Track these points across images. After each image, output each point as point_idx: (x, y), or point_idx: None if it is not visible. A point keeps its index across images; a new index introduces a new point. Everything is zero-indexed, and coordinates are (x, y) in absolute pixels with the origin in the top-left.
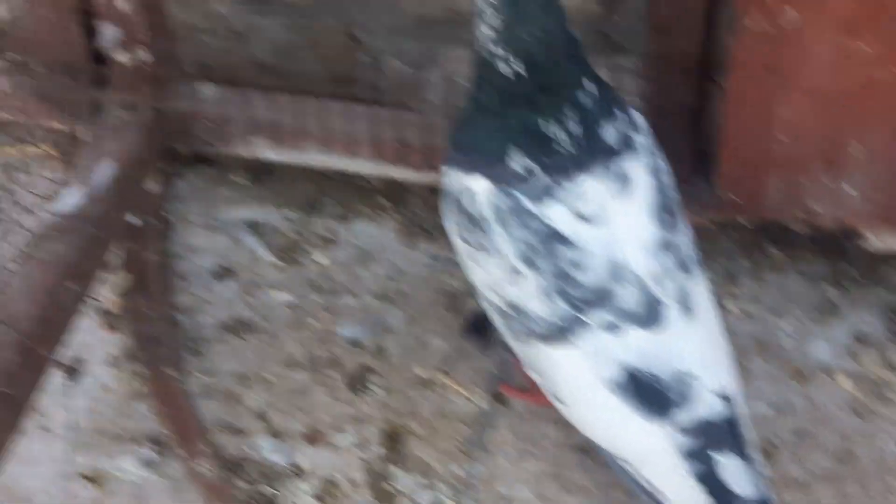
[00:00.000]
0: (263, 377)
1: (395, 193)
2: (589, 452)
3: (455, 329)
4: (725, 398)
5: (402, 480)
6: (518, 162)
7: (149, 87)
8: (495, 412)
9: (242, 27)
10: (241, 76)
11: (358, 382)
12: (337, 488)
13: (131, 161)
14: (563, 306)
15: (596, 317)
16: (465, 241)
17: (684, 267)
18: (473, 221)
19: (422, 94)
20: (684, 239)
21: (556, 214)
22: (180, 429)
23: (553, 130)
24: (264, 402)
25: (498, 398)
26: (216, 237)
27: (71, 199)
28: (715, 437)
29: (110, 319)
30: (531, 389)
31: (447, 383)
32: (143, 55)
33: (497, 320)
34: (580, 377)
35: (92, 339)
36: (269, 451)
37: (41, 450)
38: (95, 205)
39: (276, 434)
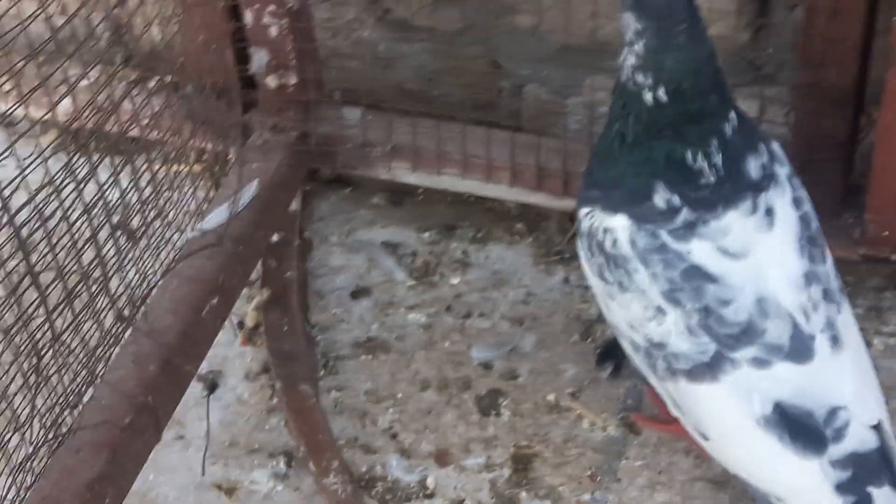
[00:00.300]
0: (395, 396)
1: (531, 218)
2: (722, 486)
3: (587, 355)
4: (877, 429)
5: None
6: (663, 197)
7: (295, 111)
8: (626, 441)
9: (387, 53)
10: (385, 101)
11: (488, 405)
12: None
13: (276, 181)
14: (708, 343)
15: (744, 353)
16: (604, 279)
17: (830, 297)
18: (614, 260)
19: (562, 122)
20: (828, 269)
21: (700, 251)
22: (312, 444)
23: (699, 163)
24: (395, 421)
25: (629, 427)
26: (354, 257)
27: (217, 217)
28: (868, 469)
29: (249, 334)
30: (664, 419)
31: (578, 409)
32: (291, 79)
33: (636, 358)
34: (728, 414)
35: (230, 353)
36: (398, 469)
37: (177, 459)
38: (240, 223)
39: (405, 453)
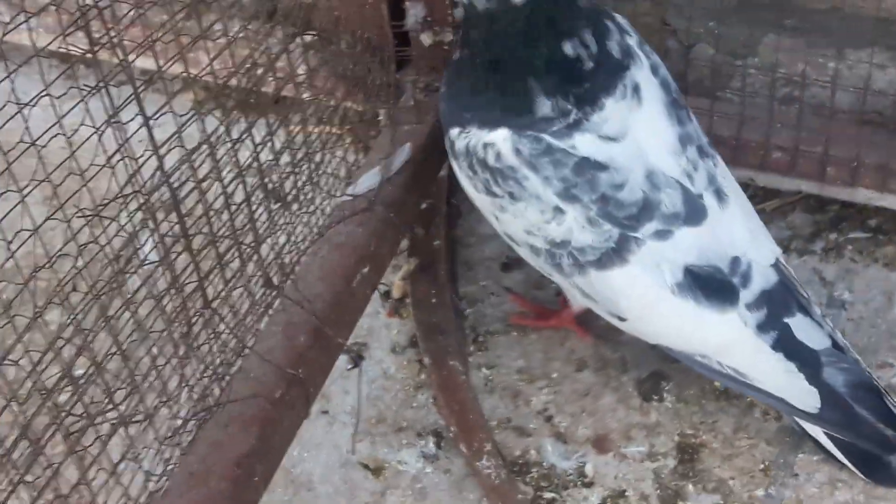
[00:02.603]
0: (549, 376)
1: None
2: None
3: None
4: (775, 265)
5: (698, 499)
6: (545, 104)
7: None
8: (805, 433)
9: None
10: None
11: (650, 389)
12: (626, 500)
13: (428, 145)
14: (611, 229)
15: (646, 229)
16: (493, 193)
17: (704, 153)
18: (500, 173)
19: (735, 84)
20: (696, 127)
21: (584, 144)
22: (463, 424)
23: (577, 50)
24: (550, 403)
25: None
26: None
27: (368, 181)
28: (778, 302)
29: (395, 305)
30: (537, 315)
31: (749, 397)
32: (447, 36)
33: (537, 261)
34: (644, 291)
35: (375, 324)
36: (554, 455)
37: (323, 436)
38: (392, 188)
39: (561, 437)
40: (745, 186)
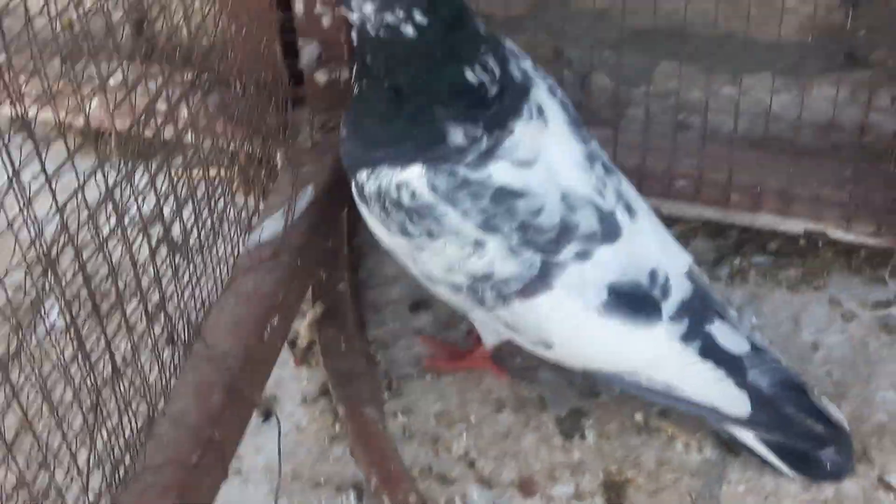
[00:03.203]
0: (468, 418)
1: None
2: None
3: None
4: (689, 274)
5: None
6: (458, 133)
7: (345, 108)
8: (725, 462)
9: None
10: None
11: (571, 426)
12: None
13: (330, 185)
14: (533, 255)
15: (567, 252)
16: (408, 234)
17: (609, 170)
18: (416, 212)
19: (631, 113)
20: (596, 144)
21: (499, 172)
22: (384, 475)
23: (479, 76)
24: (471, 447)
25: (727, 447)
26: None
27: (271, 227)
28: (698, 311)
29: (303, 353)
30: (452, 357)
31: (669, 430)
32: (343, 74)
33: (457, 299)
34: (571, 313)
35: (284, 374)
36: (481, 501)
37: (237, 496)
38: (297, 233)
39: (486, 483)
40: None
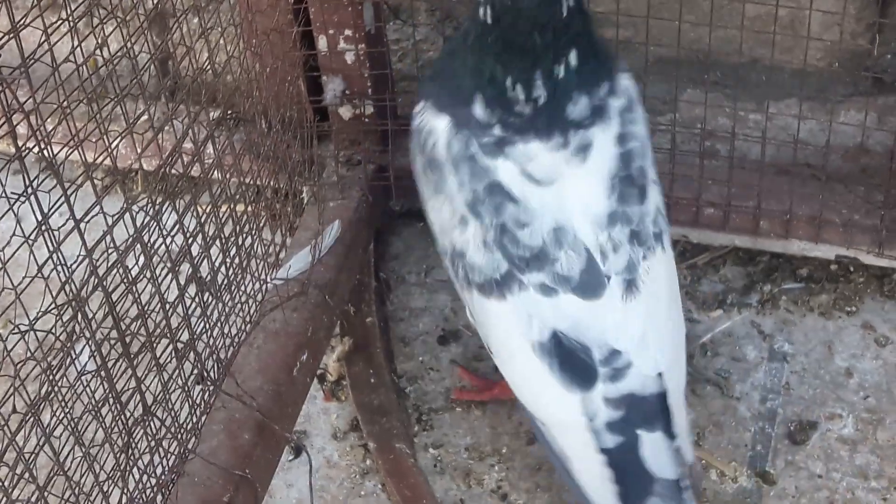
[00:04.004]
0: (500, 451)
1: None
2: None
3: (705, 397)
4: (659, 376)
5: None
6: (481, 108)
7: (371, 142)
8: (761, 492)
9: None
10: None
11: None
12: None
13: (356, 220)
14: (501, 260)
15: (533, 277)
16: (426, 177)
17: (639, 240)
18: (431, 162)
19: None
20: (644, 211)
21: (505, 170)
22: None
23: (516, 93)
24: (503, 480)
25: (762, 477)
26: (436, 297)
27: (298, 263)
28: (643, 412)
29: (332, 388)
30: (478, 388)
31: (703, 458)
32: (367, 108)
33: (445, 260)
34: (509, 333)
35: (313, 410)
36: None
37: None
38: (324, 269)
39: None
40: (676, 243)
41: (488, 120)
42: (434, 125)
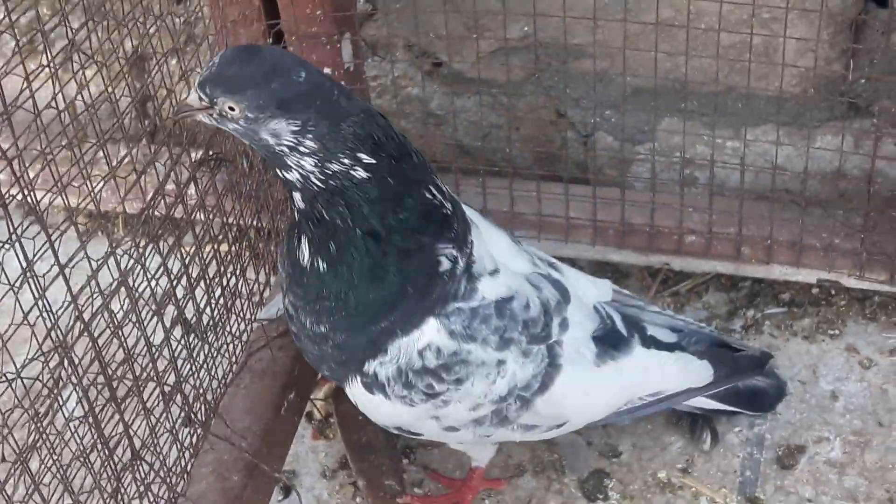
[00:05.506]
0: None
1: (607, 277)
2: None
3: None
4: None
5: None
6: (443, 258)
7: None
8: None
9: (440, 110)
10: (440, 160)
11: (593, 488)
12: None
13: None
14: (541, 347)
15: (555, 329)
16: (434, 394)
17: (516, 240)
18: (444, 367)
19: (636, 170)
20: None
21: (487, 289)
22: None
23: (437, 195)
24: None
25: (752, 501)
26: None
27: (281, 301)
28: (636, 324)
29: (319, 426)
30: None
31: (693, 486)
32: None
33: (476, 433)
34: (580, 380)
35: (301, 449)
36: None
37: None
38: None
39: None
40: (658, 271)
41: (451, 260)
42: (424, 342)
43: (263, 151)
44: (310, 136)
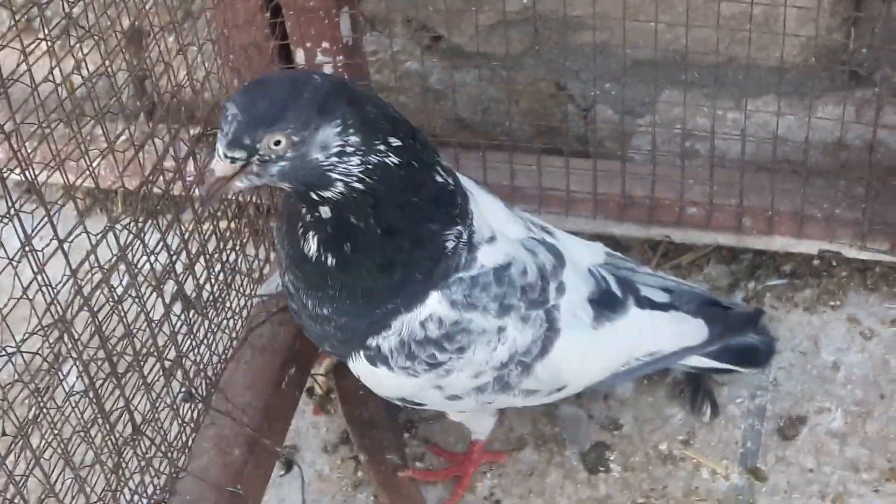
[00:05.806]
0: None
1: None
2: None
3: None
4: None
5: None
6: (450, 239)
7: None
8: (753, 489)
9: (439, 84)
10: (440, 135)
11: (595, 460)
12: None
13: None
14: (539, 312)
15: (552, 293)
16: (438, 363)
17: (509, 206)
18: (446, 335)
19: (637, 143)
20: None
21: (485, 257)
22: None
23: (445, 176)
24: (496, 487)
25: (753, 473)
26: None
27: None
28: (630, 285)
29: (321, 402)
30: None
31: (694, 458)
32: None
33: (478, 400)
34: (578, 345)
35: (302, 424)
36: None
37: None
38: None
39: None
40: (659, 243)
41: (456, 239)
42: (425, 314)
43: (308, 177)
44: (351, 130)
